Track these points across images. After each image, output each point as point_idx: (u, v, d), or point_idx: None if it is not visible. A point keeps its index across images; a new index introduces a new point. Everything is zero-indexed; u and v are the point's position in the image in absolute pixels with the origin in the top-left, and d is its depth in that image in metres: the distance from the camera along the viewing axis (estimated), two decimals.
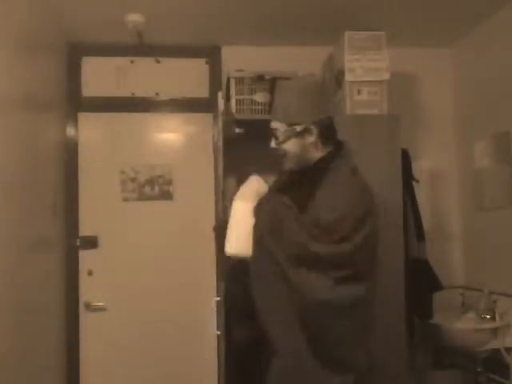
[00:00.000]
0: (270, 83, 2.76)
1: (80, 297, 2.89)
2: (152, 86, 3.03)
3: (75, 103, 2.96)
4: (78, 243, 2.90)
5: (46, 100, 2.60)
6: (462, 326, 2.82)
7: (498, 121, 2.85)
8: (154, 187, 3.03)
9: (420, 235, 2.79)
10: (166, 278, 2.95)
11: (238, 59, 3.01)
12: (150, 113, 3.05)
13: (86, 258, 2.92)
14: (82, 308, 2.89)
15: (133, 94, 3.02)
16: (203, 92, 3.07)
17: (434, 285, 2.78)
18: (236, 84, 2.76)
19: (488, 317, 2.77)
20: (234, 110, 2.72)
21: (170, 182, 3.03)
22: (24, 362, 2.15)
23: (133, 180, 3.01)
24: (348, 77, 2.71)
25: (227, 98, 2.77)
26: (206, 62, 3.09)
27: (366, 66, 2.74)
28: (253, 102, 2.75)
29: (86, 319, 2.88)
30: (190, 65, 3.08)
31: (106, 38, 2.92)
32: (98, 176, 2.97)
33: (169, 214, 2.99)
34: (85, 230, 2.93)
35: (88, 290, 2.89)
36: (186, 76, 3.06)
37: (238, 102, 2.74)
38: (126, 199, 2.99)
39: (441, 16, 2.89)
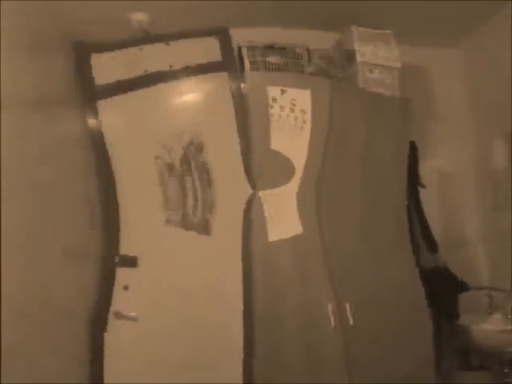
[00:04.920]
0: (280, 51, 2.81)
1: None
2: (165, 61, 2.90)
3: (89, 93, 2.81)
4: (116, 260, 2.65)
5: (59, 97, 2.58)
6: (489, 327, 2.76)
7: None
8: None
9: (432, 247, 2.81)
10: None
11: (247, 38, 2.98)
12: (166, 83, 2.87)
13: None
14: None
15: (146, 70, 2.87)
16: (217, 56, 2.91)
17: (458, 286, 2.77)
18: (248, 50, 2.80)
19: None
20: (248, 69, 2.74)
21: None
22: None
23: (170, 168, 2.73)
24: (359, 58, 2.73)
25: (240, 62, 2.79)
26: (215, 38, 2.95)
27: (377, 54, 2.78)
28: (266, 62, 2.78)
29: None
30: (201, 43, 2.95)
31: (112, 36, 2.84)
32: (133, 171, 2.71)
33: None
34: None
35: None
36: (197, 50, 2.93)
37: (252, 62, 2.76)
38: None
39: (449, 13, 2.93)
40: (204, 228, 2.68)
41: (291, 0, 2.80)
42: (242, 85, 2.57)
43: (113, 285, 2.59)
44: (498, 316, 2.80)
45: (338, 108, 2.59)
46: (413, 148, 2.79)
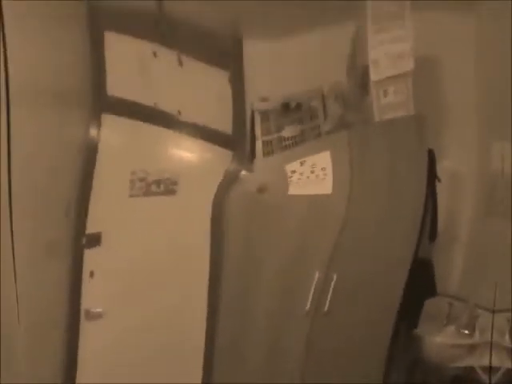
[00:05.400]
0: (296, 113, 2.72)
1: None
2: (174, 100, 2.94)
3: (100, 101, 2.87)
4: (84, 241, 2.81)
5: (72, 91, 2.63)
6: (441, 339, 2.77)
7: None
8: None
9: (432, 235, 2.81)
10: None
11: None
12: (169, 130, 2.96)
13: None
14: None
15: (155, 104, 2.92)
16: (227, 126, 2.95)
17: (429, 290, 2.79)
18: (261, 121, 2.70)
19: (466, 332, 2.73)
20: (261, 154, 2.71)
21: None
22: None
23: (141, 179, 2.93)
24: (373, 76, 2.72)
25: (252, 138, 2.74)
26: (229, 80, 2.95)
27: (390, 52, 2.73)
28: (281, 138, 2.72)
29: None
30: (213, 81, 2.95)
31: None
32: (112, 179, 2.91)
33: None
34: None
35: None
36: (208, 94, 2.94)
37: (265, 143, 2.69)
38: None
39: None
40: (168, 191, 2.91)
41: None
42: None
43: (81, 273, 2.78)
44: (452, 328, 2.77)
45: (357, 154, 2.65)
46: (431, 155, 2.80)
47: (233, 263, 2.65)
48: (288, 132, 2.77)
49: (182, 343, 2.85)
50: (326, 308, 2.49)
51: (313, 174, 2.62)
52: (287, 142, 2.76)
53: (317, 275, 2.51)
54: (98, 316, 2.76)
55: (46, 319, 2.45)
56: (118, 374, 2.81)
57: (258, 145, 2.74)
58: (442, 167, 3.05)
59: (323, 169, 2.63)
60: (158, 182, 2.92)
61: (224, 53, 2.94)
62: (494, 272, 2.85)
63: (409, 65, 2.72)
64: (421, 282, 2.71)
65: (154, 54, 2.92)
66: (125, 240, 2.87)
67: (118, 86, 2.87)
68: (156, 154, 2.97)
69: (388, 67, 2.71)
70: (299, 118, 2.81)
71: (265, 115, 2.75)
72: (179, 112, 2.94)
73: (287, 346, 2.56)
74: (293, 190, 2.61)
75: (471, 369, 2.68)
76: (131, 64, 2.87)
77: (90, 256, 2.81)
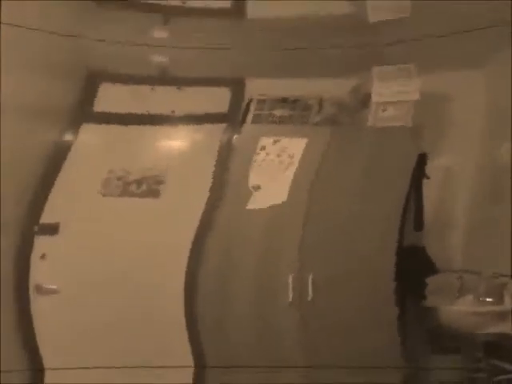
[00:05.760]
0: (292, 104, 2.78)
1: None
2: (169, 105, 2.92)
3: (82, 115, 2.88)
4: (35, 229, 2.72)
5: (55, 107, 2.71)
6: (460, 308, 2.63)
7: None
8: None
9: (419, 224, 2.73)
10: None
11: (262, 89, 2.93)
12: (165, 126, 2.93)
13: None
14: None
15: (148, 111, 2.91)
16: (223, 107, 2.92)
17: (428, 268, 2.69)
18: (257, 103, 2.76)
19: (489, 299, 2.60)
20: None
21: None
22: None
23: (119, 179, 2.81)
24: (375, 98, 2.72)
25: (244, 115, 2.77)
26: (230, 90, 2.96)
27: (396, 90, 2.74)
28: (271, 115, 2.73)
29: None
30: (213, 92, 2.98)
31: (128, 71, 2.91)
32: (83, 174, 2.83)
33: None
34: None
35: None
36: (206, 99, 2.95)
37: (256, 116, 2.72)
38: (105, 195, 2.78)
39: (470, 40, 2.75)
40: (150, 193, 2.71)
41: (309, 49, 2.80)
42: (235, 136, 2.62)
43: (30, 254, 2.63)
44: (469, 297, 2.64)
45: (332, 154, 2.61)
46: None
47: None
48: (279, 111, 2.78)
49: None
50: (309, 298, 2.39)
51: (278, 158, 2.57)
52: (274, 119, 2.77)
53: (290, 279, 2.41)
54: (52, 292, 2.58)
55: None
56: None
57: (249, 116, 2.73)
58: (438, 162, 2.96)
59: (291, 156, 2.58)
60: (139, 182, 2.77)
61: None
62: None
63: (414, 97, 2.74)
64: (416, 263, 2.67)
65: (152, 89, 2.95)
66: (87, 234, 2.69)
67: (107, 104, 2.89)
68: (139, 151, 2.88)
69: (391, 97, 2.74)
70: (292, 107, 2.82)
71: (261, 101, 2.78)
72: (173, 111, 2.89)
73: (277, 331, 2.43)
74: (253, 175, 2.55)
75: (505, 335, 2.52)
76: (125, 95, 2.91)
77: (43, 242, 2.67)
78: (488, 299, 2.59)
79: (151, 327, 2.55)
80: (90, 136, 2.88)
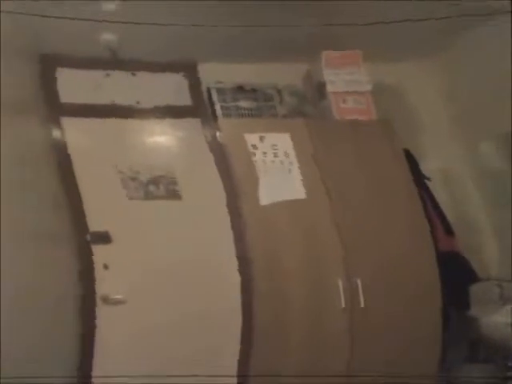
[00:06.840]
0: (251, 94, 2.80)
1: None
2: (131, 94, 2.89)
3: (54, 107, 2.77)
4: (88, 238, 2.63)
5: (23, 104, 2.53)
6: (500, 318, 2.59)
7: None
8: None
9: (448, 230, 2.76)
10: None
11: (216, 75, 2.92)
12: (133, 119, 2.87)
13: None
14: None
15: (113, 101, 2.86)
16: (186, 98, 2.94)
17: (470, 275, 2.73)
18: (218, 94, 2.77)
19: None
20: (220, 116, 2.71)
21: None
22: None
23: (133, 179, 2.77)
24: (329, 88, 2.75)
25: (211, 106, 2.77)
26: (184, 76, 2.97)
27: (347, 79, 2.78)
28: (238, 107, 2.75)
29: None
30: (168, 80, 2.97)
31: (79, 52, 2.79)
32: (96, 174, 2.74)
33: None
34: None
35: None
36: (165, 88, 2.94)
37: (223, 108, 2.72)
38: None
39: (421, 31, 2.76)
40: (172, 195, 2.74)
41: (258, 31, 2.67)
42: (218, 133, 2.59)
43: (93, 264, 2.57)
44: (509, 307, 2.59)
45: (320, 144, 2.61)
46: (408, 155, 2.79)
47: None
48: (244, 103, 2.77)
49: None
50: (361, 305, 2.42)
51: (277, 159, 2.56)
52: (244, 112, 2.76)
53: (340, 283, 2.43)
54: (118, 302, 2.55)
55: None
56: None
57: (217, 108, 2.72)
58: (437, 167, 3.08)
59: (286, 154, 2.57)
60: (154, 183, 2.78)
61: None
62: None
63: (366, 87, 2.79)
64: (458, 271, 2.68)
65: (107, 75, 2.90)
66: (138, 241, 2.67)
67: (70, 93, 2.80)
68: (130, 146, 2.83)
69: (344, 87, 2.78)
70: (254, 98, 2.83)
71: (220, 90, 2.78)
72: (138, 102, 2.86)
73: (328, 335, 2.45)
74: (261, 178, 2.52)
75: None
76: (84, 83, 2.84)
77: (101, 252, 2.63)
78: None
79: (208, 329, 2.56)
80: (75, 132, 2.76)
